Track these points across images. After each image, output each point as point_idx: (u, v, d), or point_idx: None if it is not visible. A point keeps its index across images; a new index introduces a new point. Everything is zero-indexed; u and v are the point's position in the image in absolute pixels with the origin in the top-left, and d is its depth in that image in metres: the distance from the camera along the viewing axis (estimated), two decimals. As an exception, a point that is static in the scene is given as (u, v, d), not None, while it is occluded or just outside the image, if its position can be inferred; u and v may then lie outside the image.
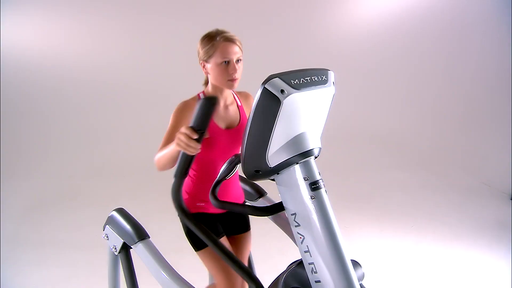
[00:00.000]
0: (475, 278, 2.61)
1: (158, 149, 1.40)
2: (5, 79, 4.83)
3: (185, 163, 1.18)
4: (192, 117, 1.11)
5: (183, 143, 1.11)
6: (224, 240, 1.57)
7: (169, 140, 1.42)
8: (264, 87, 1.01)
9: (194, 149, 1.12)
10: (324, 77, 1.09)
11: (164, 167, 1.35)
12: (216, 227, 1.59)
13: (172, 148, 1.23)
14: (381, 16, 5.35)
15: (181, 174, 1.20)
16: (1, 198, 3.64)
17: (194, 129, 1.09)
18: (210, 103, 1.08)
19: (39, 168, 4.33)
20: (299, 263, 1.18)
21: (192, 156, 1.17)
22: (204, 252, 1.52)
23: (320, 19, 5.35)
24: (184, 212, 1.24)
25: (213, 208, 1.58)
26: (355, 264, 1.16)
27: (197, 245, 1.53)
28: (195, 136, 1.10)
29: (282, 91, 1.00)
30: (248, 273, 1.20)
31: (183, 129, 1.11)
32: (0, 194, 3.70)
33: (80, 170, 4.32)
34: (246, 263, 1.67)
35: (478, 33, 4.86)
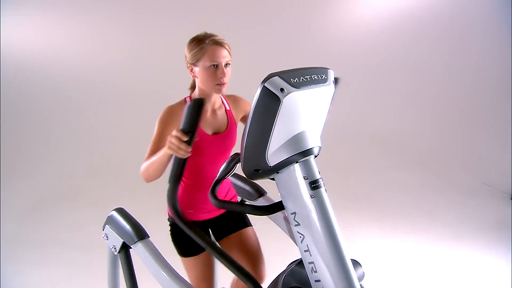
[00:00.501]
0: (475, 278, 2.61)
1: (145, 159, 1.39)
2: (5, 79, 4.84)
3: (178, 167, 1.21)
4: (181, 121, 1.13)
5: (175, 145, 1.14)
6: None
7: (155, 149, 1.41)
8: (264, 85, 1.00)
9: (185, 151, 1.14)
10: (324, 76, 1.08)
11: (152, 176, 1.35)
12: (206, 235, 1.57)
13: (162, 153, 1.25)
14: (381, 16, 5.35)
15: (175, 178, 1.23)
16: (1, 198, 3.64)
17: (184, 131, 1.13)
18: (197, 105, 1.10)
19: (39, 168, 4.33)
20: (299, 263, 1.18)
21: (185, 160, 1.19)
22: (189, 260, 1.53)
23: (320, 19, 5.34)
24: (180, 217, 1.27)
25: (202, 215, 1.58)
26: (355, 263, 1.15)
27: (184, 252, 1.55)
28: (185, 138, 1.13)
29: (282, 89, 0.99)
30: (245, 273, 1.20)
31: (174, 132, 1.14)
32: (0, 194, 3.70)
33: (80, 170, 4.32)
34: (254, 259, 1.65)
35: (478, 33, 4.86)
